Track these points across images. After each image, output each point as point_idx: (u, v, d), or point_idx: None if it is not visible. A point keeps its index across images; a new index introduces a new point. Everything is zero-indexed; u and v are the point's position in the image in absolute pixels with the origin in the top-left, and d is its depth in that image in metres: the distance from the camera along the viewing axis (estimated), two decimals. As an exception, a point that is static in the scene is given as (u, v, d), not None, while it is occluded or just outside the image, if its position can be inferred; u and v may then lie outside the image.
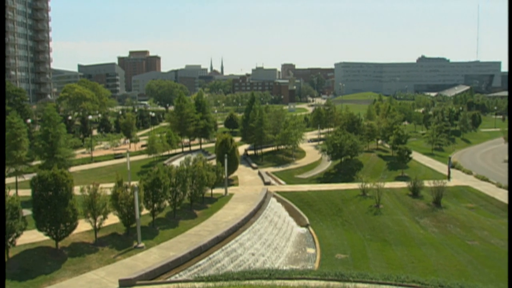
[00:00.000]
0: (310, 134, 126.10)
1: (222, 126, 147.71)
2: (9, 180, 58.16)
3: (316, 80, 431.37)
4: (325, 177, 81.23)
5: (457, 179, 75.32)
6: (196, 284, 29.90)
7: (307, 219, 58.08)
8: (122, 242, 40.09)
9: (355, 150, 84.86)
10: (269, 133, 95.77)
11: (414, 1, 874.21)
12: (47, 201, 34.71)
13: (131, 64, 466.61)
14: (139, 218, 39.53)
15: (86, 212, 38.08)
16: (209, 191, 58.06)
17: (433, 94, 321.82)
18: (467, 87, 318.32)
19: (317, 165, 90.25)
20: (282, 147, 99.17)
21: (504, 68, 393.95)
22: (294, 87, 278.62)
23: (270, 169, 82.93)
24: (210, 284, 29.79)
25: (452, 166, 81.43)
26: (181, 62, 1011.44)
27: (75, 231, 37.73)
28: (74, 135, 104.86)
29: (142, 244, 39.59)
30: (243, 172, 78.99)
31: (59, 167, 41.07)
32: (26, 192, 46.28)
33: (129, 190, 40.71)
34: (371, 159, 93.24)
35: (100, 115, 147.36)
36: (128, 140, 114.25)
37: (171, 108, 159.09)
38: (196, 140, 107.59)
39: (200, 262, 36.79)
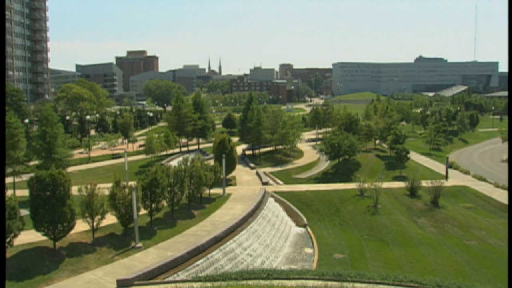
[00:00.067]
0: (308, 134, 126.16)
1: (220, 126, 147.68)
2: (6, 180, 57.75)
3: (314, 80, 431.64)
4: (323, 177, 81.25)
5: (455, 179, 75.43)
6: (194, 284, 29.89)
7: (305, 219, 58.13)
8: (120, 242, 40.05)
9: (353, 150, 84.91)
10: (267, 133, 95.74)
11: (412, 1, 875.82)
12: (45, 201, 34.68)
13: (129, 64, 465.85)
14: (137, 218, 39.51)
15: (84, 212, 38.04)
16: (207, 191, 58.07)
17: (431, 94, 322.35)
18: (464, 87, 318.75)
19: (315, 165, 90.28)
20: (280, 147, 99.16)
21: (502, 68, 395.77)
22: (292, 87, 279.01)
23: (268, 169, 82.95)
24: (208, 284, 29.79)
25: (449, 166, 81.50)
26: (179, 62, 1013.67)
27: (72, 231, 37.69)
28: (72, 135, 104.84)
29: (140, 244, 39.56)
30: (241, 172, 78.97)
31: (56, 167, 40.99)
32: (24, 192, 46.28)
33: (127, 190, 40.67)
34: (369, 159, 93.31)
35: (98, 115, 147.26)
36: (126, 140, 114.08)
37: (169, 108, 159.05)
38: (194, 140, 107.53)
39: (198, 262, 36.78)
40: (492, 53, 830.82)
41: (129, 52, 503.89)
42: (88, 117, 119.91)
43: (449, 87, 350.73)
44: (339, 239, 52.62)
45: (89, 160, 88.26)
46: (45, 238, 36.29)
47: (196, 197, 54.07)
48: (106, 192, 40.43)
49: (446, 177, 74.65)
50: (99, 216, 38.76)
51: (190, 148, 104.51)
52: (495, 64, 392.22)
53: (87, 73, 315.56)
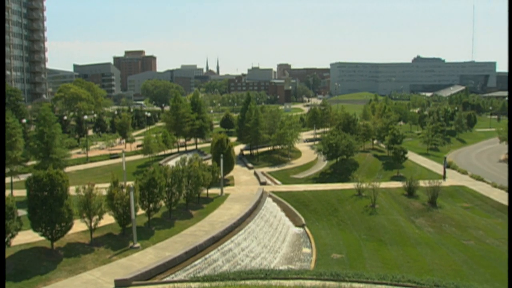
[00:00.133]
0: (306, 134, 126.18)
1: (217, 126, 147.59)
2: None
3: (312, 80, 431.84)
4: (321, 177, 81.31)
5: (453, 179, 75.52)
6: (192, 284, 29.89)
7: (303, 219, 58.18)
8: (118, 242, 40.02)
9: (350, 150, 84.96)
10: (265, 133, 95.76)
11: (410, 1, 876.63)
12: (43, 201, 34.62)
13: (126, 64, 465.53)
14: (134, 218, 39.49)
15: (82, 212, 38.02)
16: (205, 191, 58.07)
17: (428, 94, 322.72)
18: (462, 87, 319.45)
19: (312, 165, 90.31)
20: (278, 147, 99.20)
21: (499, 68, 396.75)
22: (290, 87, 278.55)
23: (266, 169, 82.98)
24: (206, 284, 29.79)
25: (447, 166, 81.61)
26: (176, 62, 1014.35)
27: (70, 232, 37.62)
28: (69, 135, 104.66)
29: (137, 245, 39.54)
30: (239, 172, 78.98)
31: (54, 167, 40.96)
32: (21, 193, 46.19)
33: (124, 190, 40.65)
34: (366, 159, 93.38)
35: (95, 115, 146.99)
36: (123, 140, 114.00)
37: (167, 108, 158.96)
38: (192, 140, 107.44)
39: (196, 262, 36.79)
40: (490, 53, 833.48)
41: (127, 52, 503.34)
42: (86, 117, 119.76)
43: (447, 87, 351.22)
44: (337, 239, 52.68)
45: (87, 160, 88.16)
46: (42, 238, 36.23)
47: (194, 197, 54.03)
48: (104, 192, 40.43)
49: (444, 177, 74.76)
50: (97, 216, 38.76)
51: (188, 148, 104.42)
52: (493, 64, 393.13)
53: (85, 73, 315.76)
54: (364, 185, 63.19)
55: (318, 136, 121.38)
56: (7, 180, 58.97)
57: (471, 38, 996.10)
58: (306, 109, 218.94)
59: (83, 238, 39.53)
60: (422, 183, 65.34)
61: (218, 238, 42.11)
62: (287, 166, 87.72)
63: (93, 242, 39.11)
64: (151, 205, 44.41)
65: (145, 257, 37.07)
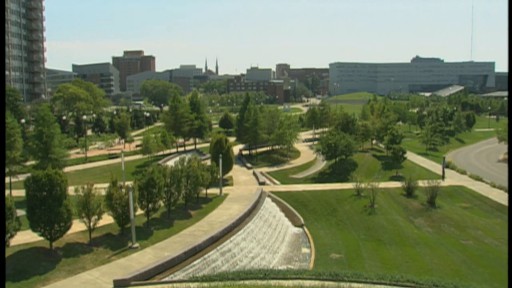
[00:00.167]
0: (305, 134, 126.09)
1: (216, 126, 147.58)
2: (3, 181, 57.91)
3: (311, 80, 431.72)
4: (320, 177, 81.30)
5: (451, 179, 75.58)
6: (191, 284, 29.88)
7: (301, 219, 58.18)
8: (117, 242, 40.00)
9: (349, 150, 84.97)
10: (263, 133, 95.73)
11: (408, 1, 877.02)
12: (41, 201, 34.58)
13: (125, 64, 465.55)
14: (133, 218, 39.46)
15: (81, 212, 37.98)
16: (204, 191, 58.04)
17: (427, 94, 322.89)
18: (461, 87, 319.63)
19: (311, 165, 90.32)
20: (277, 147, 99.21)
21: (498, 68, 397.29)
22: (289, 87, 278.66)
23: (265, 169, 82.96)
24: (205, 284, 29.78)
25: (446, 166, 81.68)
26: (175, 62, 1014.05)
27: (69, 232, 37.60)
28: (68, 135, 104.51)
29: (136, 245, 39.52)
30: (238, 172, 78.97)
31: (53, 167, 40.93)
32: (20, 193, 46.21)
33: (123, 190, 40.62)
34: (365, 159, 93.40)
35: (94, 115, 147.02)
36: (122, 140, 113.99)
37: (166, 108, 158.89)
38: (191, 140, 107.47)
39: (195, 262, 36.78)
40: (489, 53, 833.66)
41: (125, 52, 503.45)
42: (84, 117, 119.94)
43: (446, 87, 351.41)
44: (336, 239, 52.69)
45: (86, 160, 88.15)
46: (41, 238, 36.19)
47: (193, 197, 54.03)
48: (103, 192, 40.40)
49: (443, 177, 74.81)
50: (96, 216, 38.71)
51: (187, 148, 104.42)
52: (492, 64, 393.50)
53: (83, 73, 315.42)
54: (363, 185, 63.20)
55: (317, 136, 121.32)
56: (6, 180, 58.95)
57: (470, 38, 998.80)
58: (305, 109, 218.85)
59: (82, 238, 39.50)
60: (421, 183, 65.37)
61: (217, 238, 42.11)
62: (286, 166, 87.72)
63: (92, 242, 39.09)
64: (150, 205, 44.38)
65: (144, 257, 37.06)
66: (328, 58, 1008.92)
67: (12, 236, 33.31)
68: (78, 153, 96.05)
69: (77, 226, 39.10)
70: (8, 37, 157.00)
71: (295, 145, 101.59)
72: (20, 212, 37.30)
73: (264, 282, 29.66)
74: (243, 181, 72.39)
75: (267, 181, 72.71)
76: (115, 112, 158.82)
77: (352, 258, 46.82)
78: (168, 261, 34.91)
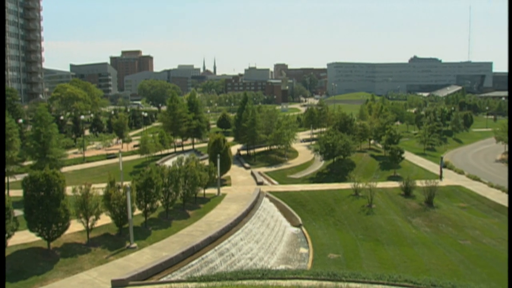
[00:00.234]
0: (303, 134, 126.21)
1: (214, 126, 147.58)
2: (0, 181, 57.77)
3: (309, 80, 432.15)
4: (318, 177, 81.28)
5: (449, 179, 75.66)
6: (189, 284, 29.86)
7: (299, 219, 58.18)
8: (115, 242, 39.97)
9: (347, 150, 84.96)
10: (261, 133, 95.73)
11: (406, 1, 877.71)
12: (39, 201, 34.54)
13: (123, 64, 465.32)
14: (131, 218, 39.43)
15: (78, 212, 37.92)
16: (202, 191, 58.01)
17: (425, 94, 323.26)
18: (459, 87, 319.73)
19: (309, 165, 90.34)
20: (275, 147, 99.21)
21: (496, 68, 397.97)
22: (287, 87, 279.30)
23: (263, 169, 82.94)
24: (203, 284, 29.76)
25: (444, 166, 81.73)
26: (173, 62, 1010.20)
27: (67, 232, 37.58)
28: (66, 135, 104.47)
29: (134, 245, 39.49)
30: (236, 172, 78.95)
31: (51, 167, 40.82)
32: (18, 193, 46.11)
33: (121, 190, 40.60)
34: (363, 159, 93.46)
35: (92, 115, 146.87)
36: (120, 140, 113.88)
37: (164, 108, 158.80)
38: (189, 140, 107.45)
39: (193, 262, 36.76)
40: (486, 54, 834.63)
41: (123, 52, 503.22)
42: (82, 117, 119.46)
43: (444, 87, 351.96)
44: (333, 239, 52.69)
45: (84, 160, 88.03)
46: (39, 238, 36.16)
47: (191, 197, 54.03)
48: (101, 192, 40.35)
49: (441, 177, 74.87)
50: (94, 217, 38.65)
51: (185, 148, 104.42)
52: (489, 65, 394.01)
53: (81, 73, 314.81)
54: (361, 185, 63.21)
55: (315, 136, 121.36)
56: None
57: (467, 38, 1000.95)
58: (303, 109, 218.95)
59: (79, 238, 39.46)
60: (418, 183, 65.37)
61: (215, 238, 42.10)
62: (284, 166, 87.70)
63: (90, 242, 39.04)
64: (148, 205, 44.38)
65: (142, 257, 37.02)
66: (326, 58, 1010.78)
67: (9, 236, 33.33)
68: (76, 153, 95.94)
69: (75, 226, 39.06)
70: (6, 37, 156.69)
71: (293, 145, 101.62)
72: (18, 212, 37.21)
73: (262, 282, 29.67)
74: (241, 181, 72.37)
75: (265, 181, 72.69)
76: (113, 112, 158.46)
77: (350, 258, 46.84)
78: (166, 261, 34.89)
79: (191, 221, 48.35)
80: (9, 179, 59.31)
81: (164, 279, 32.84)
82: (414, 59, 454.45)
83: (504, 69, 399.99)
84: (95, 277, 32.75)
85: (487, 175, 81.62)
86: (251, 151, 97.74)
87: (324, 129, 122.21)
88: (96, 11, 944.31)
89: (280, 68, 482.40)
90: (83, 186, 38.36)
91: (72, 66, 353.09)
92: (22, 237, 37.00)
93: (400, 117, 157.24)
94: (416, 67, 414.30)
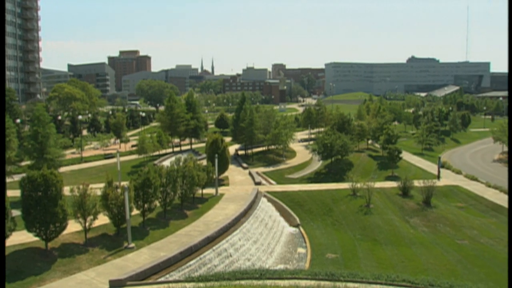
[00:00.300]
0: (301, 134, 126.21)
1: (212, 126, 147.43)
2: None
3: (307, 80, 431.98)
4: (316, 177, 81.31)
5: (447, 179, 75.73)
6: (187, 285, 29.86)
7: (297, 219, 58.22)
8: (113, 242, 39.95)
9: (345, 150, 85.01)
10: (259, 133, 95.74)
11: (404, 2, 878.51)
12: (37, 201, 34.49)
13: (121, 64, 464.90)
14: (129, 218, 39.42)
15: (76, 212, 37.88)
16: (200, 191, 58.03)
17: (423, 94, 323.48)
18: (456, 88, 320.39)
19: (307, 165, 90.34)
20: (273, 147, 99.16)
21: (493, 68, 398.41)
22: (285, 87, 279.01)
23: (261, 169, 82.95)
24: (201, 284, 29.77)
25: (441, 166, 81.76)
26: (171, 62, 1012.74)
27: (65, 232, 37.52)
28: (63, 135, 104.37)
29: (132, 245, 39.47)
30: (234, 172, 78.93)
31: (48, 167, 40.83)
32: (15, 193, 46.00)
33: (119, 190, 40.57)
34: (361, 159, 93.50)
35: (90, 115, 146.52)
36: (118, 140, 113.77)
37: (162, 108, 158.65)
38: (187, 140, 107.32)
39: (191, 263, 36.76)
40: (484, 54, 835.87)
41: (121, 52, 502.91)
42: (80, 117, 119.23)
43: (441, 87, 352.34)
44: (331, 239, 52.72)
45: (81, 160, 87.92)
46: (37, 238, 36.11)
47: (189, 197, 54.01)
48: (99, 193, 40.31)
49: (438, 177, 74.94)
50: (92, 217, 38.63)
51: (183, 148, 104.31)
52: (487, 65, 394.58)
53: (79, 72, 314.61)
54: (358, 185, 63.28)
55: (313, 136, 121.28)
56: (1, 180, 58.73)
57: (465, 38, 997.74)
58: (301, 109, 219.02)
59: (77, 239, 39.42)
60: (416, 183, 65.48)
61: (213, 238, 42.10)
62: (282, 166, 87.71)
63: (88, 242, 39.01)
64: (145, 205, 44.36)
65: (140, 257, 37.01)
66: (324, 58, 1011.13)
67: (7, 236, 33.28)
68: (73, 153, 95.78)
69: (73, 226, 39.01)
70: (5, 37, 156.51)
71: (291, 145, 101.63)
72: (15, 213, 37.15)
73: (260, 282, 29.67)
74: (239, 181, 72.37)
75: (263, 181, 72.70)
76: (110, 112, 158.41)
77: (348, 258, 46.88)
78: (164, 261, 34.89)
79: (189, 221, 48.35)
80: (6, 179, 59.15)
81: (162, 279, 32.83)
82: (412, 59, 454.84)
83: (502, 69, 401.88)
84: (93, 277, 32.73)
85: (485, 175, 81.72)
86: (249, 151, 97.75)
87: (322, 129, 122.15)
88: (93, 11, 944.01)
89: (278, 68, 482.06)
90: (81, 186, 38.34)
91: (70, 66, 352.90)
92: (19, 237, 36.96)
93: (398, 117, 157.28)
94: (414, 67, 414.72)
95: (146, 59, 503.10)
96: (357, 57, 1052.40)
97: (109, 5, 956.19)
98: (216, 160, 63.16)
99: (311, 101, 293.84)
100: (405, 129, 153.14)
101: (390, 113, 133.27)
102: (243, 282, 29.77)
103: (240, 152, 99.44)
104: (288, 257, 48.28)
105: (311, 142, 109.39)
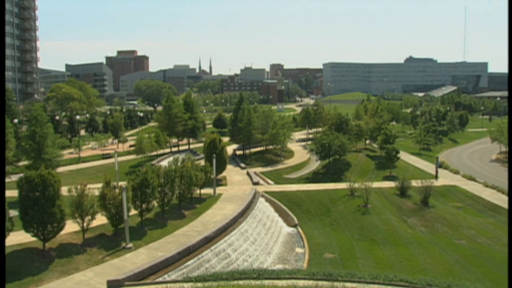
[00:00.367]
0: (299, 134, 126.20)
1: (210, 126, 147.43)
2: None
3: (305, 80, 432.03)
4: (314, 177, 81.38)
5: (445, 179, 75.85)
6: (185, 285, 29.84)
7: (295, 219, 58.21)
8: (110, 242, 39.92)
9: (343, 150, 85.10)
10: (257, 133, 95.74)
11: (402, 1, 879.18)
12: (34, 201, 34.45)
13: (119, 63, 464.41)
14: (127, 218, 39.37)
15: (74, 212, 37.86)
16: (198, 191, 58.00)
17: (420, 94, 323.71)
18: (454, 88, 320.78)
19: (305, 165, 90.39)
20: (271, 147, 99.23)
21: (491, 68, 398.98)
22: (283, 87, 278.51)
23: (259, 169, 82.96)
24: (199, 284, 29.75)
25: (439, 165, 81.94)
26: (169, 62, 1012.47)
27: (62, 232, 37.49)
28: (61, 135, 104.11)
29: (130, 245, 39.44)
30: (232, 172, 78.94)
31: (46, 167, 40.81)
32: (13, 193, 45.93)
33: (117, 190, 40.52)
34: (359, 159, 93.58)
35: (88, 115, 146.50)
36: (116, 140, 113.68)
37: (159, 108, 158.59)
38: (185, 140, 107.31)
39: (189, 263, 36.75)
40: (481, 54, 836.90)
41: (119, 52, 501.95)
42: (78, 117, 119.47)
43: (439, 87, 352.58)
44: (329, 239, 52.76)
45: (79, 160, 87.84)
46: (34, 239, 36.07)
47: (187, 197, 54.00)
48: (96, 193, 40.31)
49: (436, 177, 75.05)
50: (89, 217, 38.61)
51: (181, 148, 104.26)
52: (484, 65, 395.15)
53: (77, 72, 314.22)
54: (356, 185, 63.31)
55: (310, 136, 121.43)
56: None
57: (463, 38, 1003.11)
58: (298, 109, 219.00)
59: (75, 239, 39.38)
60: (414, 183, 65.57)
61: (211, 238, 42.09)
62: (279, 166, 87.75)
63: (86, 242, 38.97)
64: (143, 205, 44.32)
65: (138, 258, 36.98)
66: (322, 58, 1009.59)
67: (5, 236, 33.15)
68: (71, 153, 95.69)
69: (70, 226, 38.98)
70: (5, 37, 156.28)
71: (288, 145, 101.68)
72: (13, 213, 37.09)
73: (258, 282, 29.67)
74: (237, 181, 72.37)
75: (261, 181, 72.70)
76: (108, 112, 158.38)
77: (345, 258, 46.91)
78: (162, 261, 34.87)
79: (187, 221, 48.33)
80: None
81: (160, 279, 32.81)
82: (410, 59, 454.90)
83: (500, 69, 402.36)
84: (91, 278, 32.69)
85: (482, 175, 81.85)
86: (247, 151, 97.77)
87: (320, 129, 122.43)
88: (91, 11, 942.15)
89: (276, 68, 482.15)
90: (79, 186, 38.33)
91: (67, 66, 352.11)
92: (17, 238, 36.91)
93: (395, 117, 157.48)
94: (411, 67, 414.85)
95: (144, 59, 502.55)
96: (355, 57, 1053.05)
97: (106, 5, 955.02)
98: (214, 160, 63.17)
99: (309, 101, 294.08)
100: (403, 129, 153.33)
101: (388, 113, 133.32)
102: (241, 282, 29.76)
103: (238, 152, 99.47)
104: (286, 257, 48.29)
105: (309, 142, 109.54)
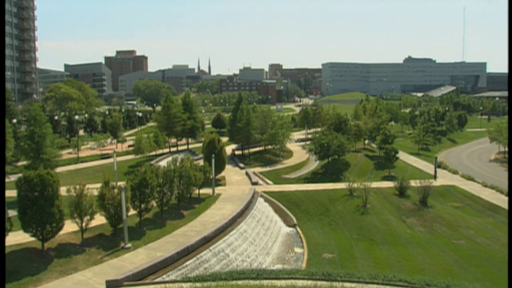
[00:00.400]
0: (298, 134, 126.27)
1: (209, 126, 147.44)
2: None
3: (304, 80, 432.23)
4: (313, 177, 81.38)
5: (443, 179, 75.89)
6: (184, 285, 29.83)
7: (294, 219, 58.18)
8: (109, 242, 39.89)
9: (342, 150, 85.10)
10: (256, 133, 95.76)
11: (401, 2, 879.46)
12: (33, 202, 34.41)
13: (118, 63, 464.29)
14: (126, 218, 39.35)
15: (73, 212, 37.82)
16: (197, 191, 57.94)
17: (419, 94, 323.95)
18: (453, 88, 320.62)
19: (304, 165, 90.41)
20: (270, 147, 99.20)
21: (490, 69, 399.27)
22: (282, 87, 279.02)
23: (258, 169, 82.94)
24: (198, 284, 29.74)
25: (438, 165, 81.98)
26: (168, 62, 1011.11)
27: (61, 232, 37.45)
28: (60, 135, 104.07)
29: (129, 245, 39.41)
30: (231, 172, 78.93)
31: (45, 167, 40.73)
32: (12, 193, 45.86)
33: (116, 190, 40.51)
34: (358, 159, 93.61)
35: (86, 115, 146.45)
36: (115, 140, 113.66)
37: (158, 108, 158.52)
38: (183, 140, 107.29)
39: (188, 263, 36.73)
40: (480, 54, 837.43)
41: (118, 52, 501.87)
42: (76, 117, 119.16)
43: (438, 87, 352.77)
44: (328, 239, 52.75)
45: (78, 160, 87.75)
46: (33, 239, 36.03)
47: (186, 197, 53.99)
48: (95, 193, 40.27)
49: (435, 177, 75.09)
50: (88, 217, 38.56)
51: (180, 148, 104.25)
52: (483, 65, 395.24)
53: (75, 72, 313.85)
54: (355, 185, 63.29)
55: (309, 136, 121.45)
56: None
57: (461, 39, 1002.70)
58: (297, 109, 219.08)
59: (74, 239, 39.34)
60: (413, 183, 65.56)
61: (210, 238, 42.08)
62: (278, 166, 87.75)
63: (84, 242, 38.94)
64: (142, 206, 44.29)
65: (137, 258, 36.96)
66: (321, 58, 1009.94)
67: (4, 237, 33.11)
68: (70, 153, 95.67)
69: (69, 226, 38.94)
70: (5, 38, 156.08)
71: (287, 145, 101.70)
72: (12, 213, 37.11)
73: (257, 282, 29.66)
74: (235, 181, 72.36)
75: (260, 181, 72.72)
76: (107, 112, 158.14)
77: (344, 258, 46.90)
78: (160, 261, 34.85)
79: (185, 221, 48.30)
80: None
81: (159, 279, 32.80)
82: (409, 59, 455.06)
83: (498, 69, 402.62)
84: (90, 278, 32.67)
85: (481, 175, 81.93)
86: (246, 151, 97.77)
87: (319, 129, 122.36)
88: (90, 11, 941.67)
89: (275, 68, 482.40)
90: (78, 186, 38.27)
91: (66, 66, 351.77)
92: (16, 238, 36.86)
93: (394, 117, 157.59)
94: (410, 67, 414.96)
95: (142, 59, 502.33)
96: (353, 57, 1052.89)
97: (105, 5, 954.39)
98: (213, 160, 63.16)
99: (308, 101, 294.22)
100: (402, 129, 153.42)
101: (387, 113, 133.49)
102: (240, 282, 29.76)
103: (237, 152, 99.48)
104: (285, 257, 48.27)
105: (308, 142, 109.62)
